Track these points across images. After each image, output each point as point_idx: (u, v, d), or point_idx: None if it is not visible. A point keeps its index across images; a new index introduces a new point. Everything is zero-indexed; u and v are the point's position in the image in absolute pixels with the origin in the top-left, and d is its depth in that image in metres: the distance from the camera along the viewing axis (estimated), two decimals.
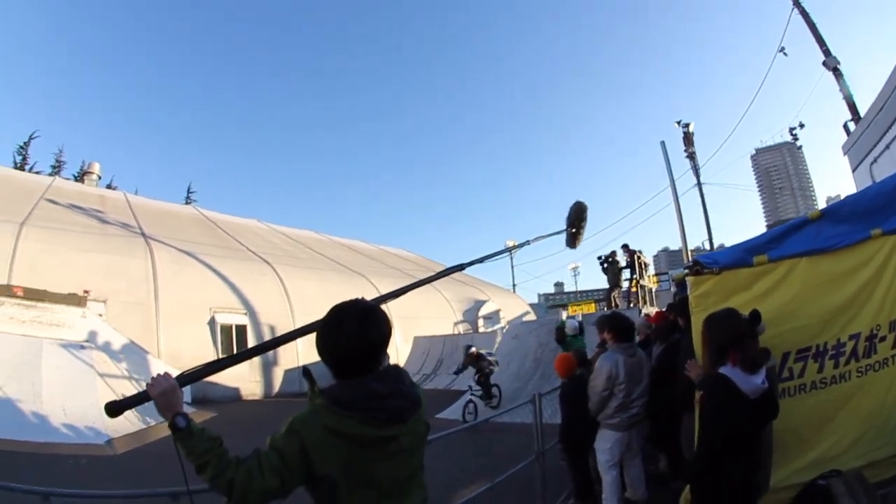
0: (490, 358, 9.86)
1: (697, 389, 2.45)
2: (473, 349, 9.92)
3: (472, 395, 9.47)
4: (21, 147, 36.45)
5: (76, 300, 11.98)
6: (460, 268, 2.69)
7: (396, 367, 1.57)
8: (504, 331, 14.90)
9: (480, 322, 20.23)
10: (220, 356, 11.74)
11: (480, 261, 2.81)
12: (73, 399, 9.16)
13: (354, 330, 1.44)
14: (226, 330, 14.53)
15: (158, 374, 1.47)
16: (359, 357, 1.46)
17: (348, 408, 1.38)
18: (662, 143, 17.74)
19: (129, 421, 9.16)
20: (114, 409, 1.55)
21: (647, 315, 7.38)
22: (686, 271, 3.13)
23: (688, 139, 18.79)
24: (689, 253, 16.95)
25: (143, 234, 16.06)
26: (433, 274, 2.64)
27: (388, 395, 1.44)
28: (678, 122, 18.98)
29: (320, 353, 1.47)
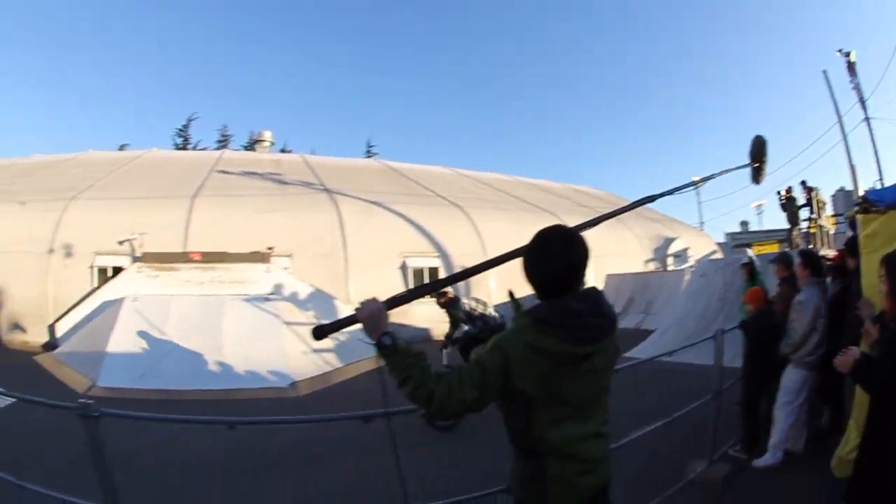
0: (472, 306, 8.21)
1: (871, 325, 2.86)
2: (449, 290, 8.42)
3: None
4: (180, 130, 44.49)
5: (259, 257, 15.04)
6: (651, 199, 3.12)
7: (594, 288, 1.88)
8: (692, 270, 16.20)
9: (670, 261, 22.43)
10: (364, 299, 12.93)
11: (670, 192, 3.19)
12: (257, 348, 11.21)
13: (559, 251, 1.80)
14: (417, 273, 17.23)
15: (367, 299, 1.90)
16: (562, 277, 1.80)
17: (549, 325, 1.72)
18: (825, 72, 19.62)
19: (314, 363, 11.34)
20: (320, 332, 2.04)
21: (824, 256, 7.80)
22: (856, 209, 3.58)
23: (851, 69, 20.36)
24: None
25: (326, 190, 19.28)
26: (624, 206, 3.08)
27: (587, 314, 1.77)
28: (839, 51, 20.58)
29: (527, 274, 1.85)
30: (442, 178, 25.13)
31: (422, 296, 2.20)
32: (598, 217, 2.67)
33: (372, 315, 1.84)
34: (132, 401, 9.48)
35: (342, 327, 2.02)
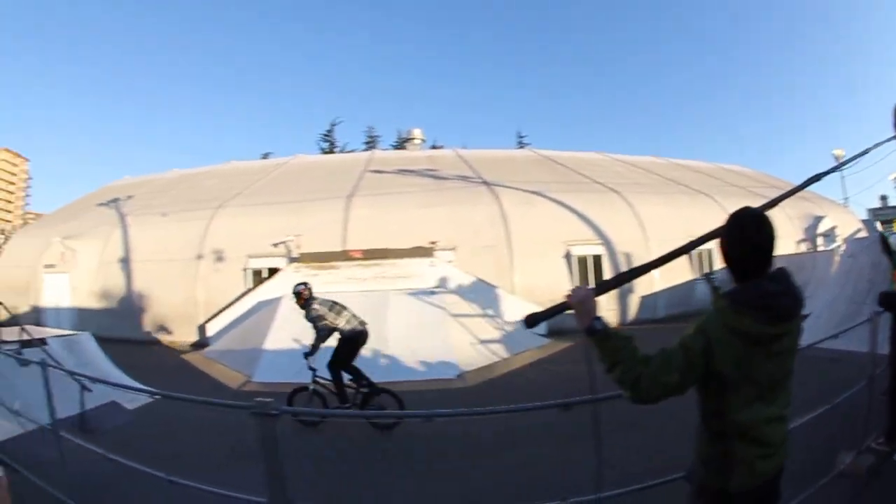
0: (318, 311, 8.62)
1: None
2: (303, 287, 8.99)
3: (314, 378, 8.66)
4: (325, 134, 50.68)
5: (422, 252, 17.14)
6: (817, 178, 3.40)
7: (784, 269, 2.18)
8: (841, 250, 16.88)
9: (819, 240, 23.53)
10: (574, 286, 13.92)
11: (837, 169, 3.61)
12: (423, 341, 12.75)
13: (752, 233, 2.12)
14: (581, 262, 19.10)
15: (576, 286, 2.29)
16: (757, 258, 2.11)
17: (747, 307, 2.02)
18: None
19: (481, 354, 12.92)
20: (533, 319, 2.31)
21: None
22: None
23: None
24: None
25: (484, 182, 21.41)
26: (792, 188, 3.45)
27: (780, 294, 2.07)
28: None
29: (725, 257, 2.18)
30: (596, 165, 27.19)
31: (629, 280, 2.49)
32: (777, 198, 3.06)
33: (583, 301, 2.16)
34: (286, 394, 11.16)
35: (554, 314, 2.32)
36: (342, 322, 8.54)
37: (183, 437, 6.92)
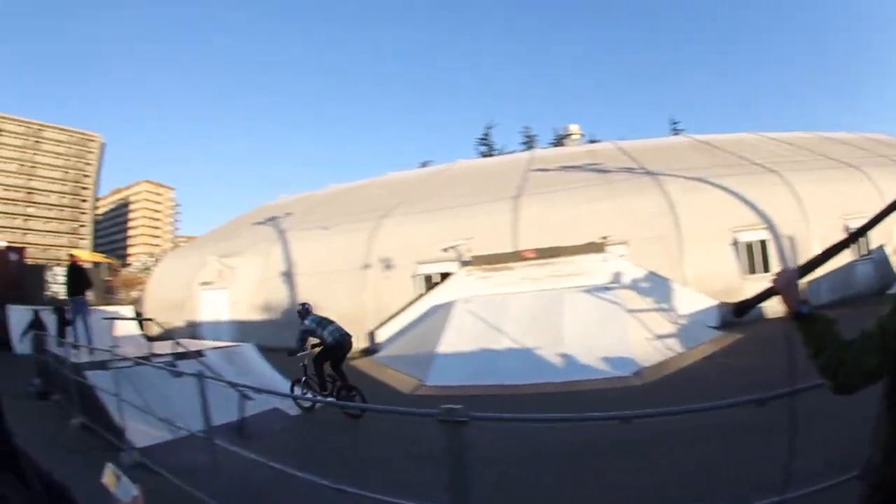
0: (310, 325, 11.63)
1: None
2: (300, 307, 12.46)
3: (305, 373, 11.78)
4: (482, 139, 56.58)
5: (595, 247, 18.74)
6: None
7: None
8: None
9: None
10: (745, 274, 19.61)
11: None
12: (599, 338, 13.91)
13: None
14: (748, 248, 20.31)
15: (782, 268, 2.29)
16: None
17: None
18: None
19: (657, 350, 13.86)
20: (742, 308, 2.48)
21: None
22: None
23: None
24: None
25: (647, 172, 22.97)
26: None
27: None
28: None
29: None
30: (750, 145, 28.39)
31: (835, 255, 2.42)
32: None
33: (789, 284, 2.21)
34: (463, 397, 11.77)
35: (762, 301, 2.37)
36: (326, 334, 11.40)
37: (350, 444, 7.43)
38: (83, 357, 11.68)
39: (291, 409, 11.12)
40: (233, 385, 7.11)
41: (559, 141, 43.91)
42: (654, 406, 8.02)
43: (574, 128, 38.71)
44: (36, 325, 18.50)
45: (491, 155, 50.17)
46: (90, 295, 16.60)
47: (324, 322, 11.69)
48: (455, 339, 15.54)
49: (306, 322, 11.67)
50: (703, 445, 6.61)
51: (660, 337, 14.61)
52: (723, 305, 17.10)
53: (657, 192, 21.34)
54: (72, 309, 15.13)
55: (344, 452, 6.37)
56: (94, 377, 9.98)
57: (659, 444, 6.55)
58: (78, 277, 15.31)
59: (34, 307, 19.31)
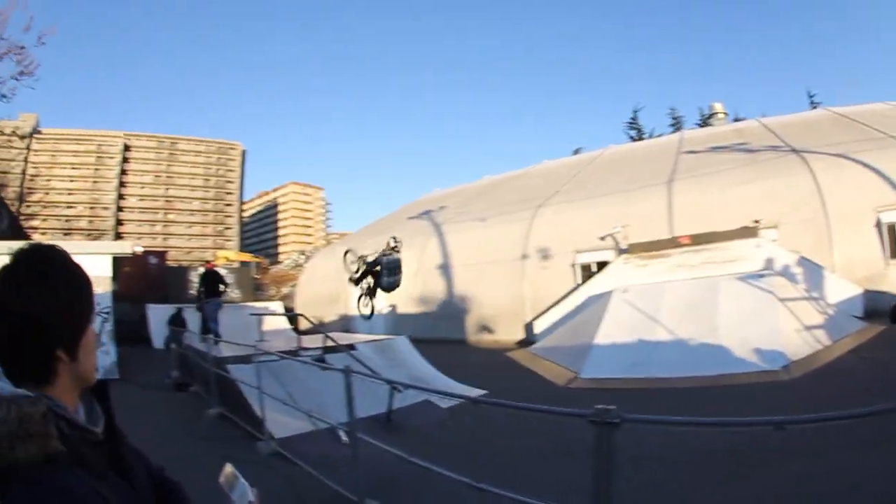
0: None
1: None
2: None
3: None
4: (630, 122, 61.31)
5: (747, 232, 19.65)
6: None
7: None
8: None
9: None
10: (890, 259, 19.78)
11: None
12: (752, 328, 14.37)
13: None
14: (890, 229, 20.01)
15: None
16: None
17: None
18: None
19: (806, 342, 14.23)
20: None
21: None
22: None
23: None
24: None
25: (792, 150, 23.62)
26: None
27: None
28: None
29: None
30: (885, 116, 27.24)
31: None
32: None
33: None
34: (616, 391, 12.72)
35: None
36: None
37: (497, 438, 7.29)
38: (225, 351, 13.07)
39: (444, 402, 11.48)
40: (381, 378, 7.76)
41: (705, 121, 46.20)
42: (804, 404, 8.87)
43: (718, 106, 40.38)
44: (176, 321, 20.82)
45: (640, 139, 52.98)
46: (223, 297, 19.56)
47: None
48: (612, 330, 16.28)
49: None
50: (861, 452, 6.35)
51: (808, 328, 14.76)
52: (868, 293, 17.46)
53: (803, 170, 21.76)
54: (207, 309, 18.45)
55: (490, 447, 6.33)
56: (236, 371, 11.21)
57: (814, 451, 6.42)
58: (212, 281, 18.97)
59: (176, 305, 21.76)
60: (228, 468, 1.99)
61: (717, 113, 40.14)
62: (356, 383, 6.44)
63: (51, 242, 1.68)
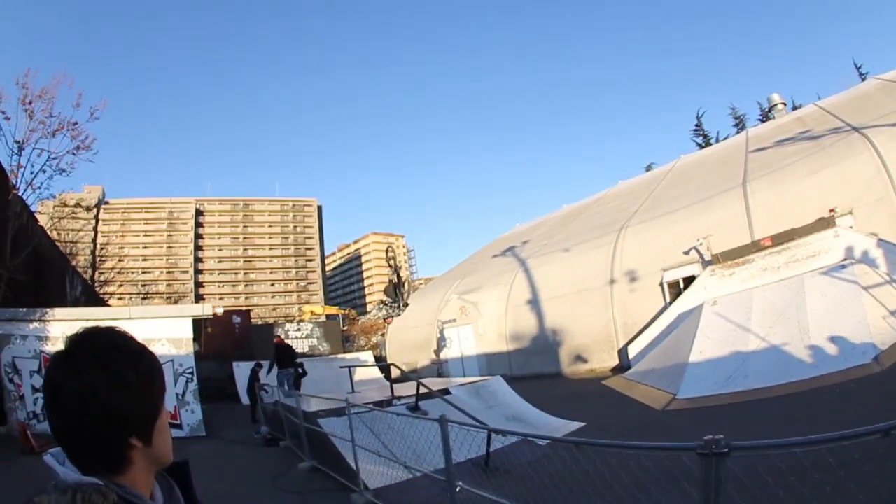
0: None
1: None
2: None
3: None
4: (695, 129, 63.58)
5: (824, 223, 19.79)
6: None
7: None
8: None
9: None
10: None
11: None
12: (839, 323, 14.62)
13: None
14: None
15: None
16: None
17: None
18: None
19: (892, 328, 14.11)
20: None
21: None
22: None
23: None
24: None
25: (853, 129, 24.18)
26: None
27: None
28: None
29: None
30: None
31: None
32: None
33: None
34: (714, 409, 13.00)
35: None
36: None
37: (598, 475, 6.29)
38: (315, 405, 13.56)
39: (542, 440, 11.01)
40: (476, 426, 8.05)
41: (765, 114, 47.38)
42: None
43: (776, 97, 40.61)
44: (254, 377, 21.49)
45: (708, 144, 54.79)
46: (291, 369, 20.27)
47: None
48: (705, 346, 16.54)
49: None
50: None
51: (894, 313, 14.70)
52: None
53: (866, 148, 21.73)
54: (279, 379, 19.65)
55: (592, 483, 5.46)
56: (328, 424, 11.48)
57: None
58: (282, 355, 20.29)
59: (260, 361, 22.20)
60: None
61: (776, 104, 40.39)
62: (452, 428, 6.50)
63: (110, 325, 1.65)
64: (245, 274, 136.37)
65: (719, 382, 14.52)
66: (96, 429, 1.40)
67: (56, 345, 16.90)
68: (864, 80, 42.84)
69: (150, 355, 1.57)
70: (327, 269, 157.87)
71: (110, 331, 1.54)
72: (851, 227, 19.97)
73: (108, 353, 1.46)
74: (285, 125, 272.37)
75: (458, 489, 6.28)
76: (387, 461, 9.19)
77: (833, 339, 14.08)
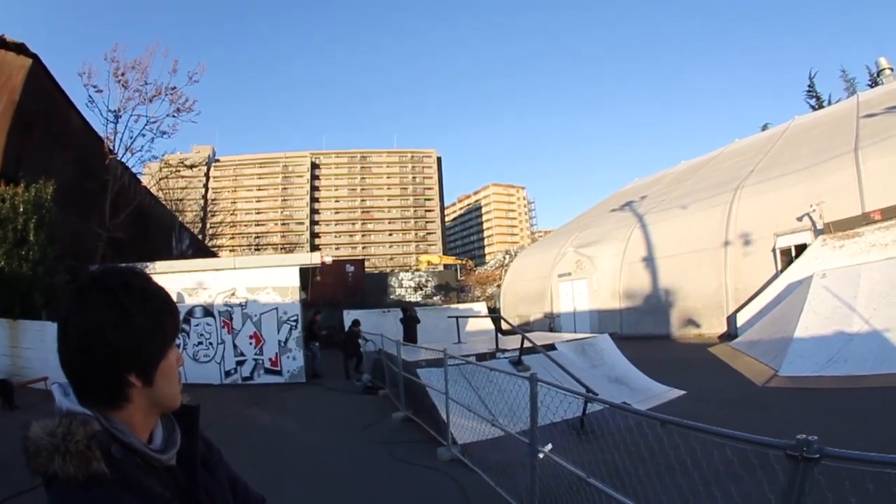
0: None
1: None
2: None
3: None
4: (808, 90, 62.90)
5: None
6: None
7: None
8: None
9: None
10: None
11: None
12: None
13: None
14: None
15: None
16: None
17: None
18: None
19: None
20: None
21: None
22: None
23: None
24: None
25: None
26: None
27: None
28: None
29: None
30: None
31: None
32: None
33: None
34: (814, 391, 12.56)
35: None
36: None
37: (693, 449, 5.87)
38: (417, 356, 13.39)
39: (643, 403, 11.28)
40: (568, 391, 6.53)
41: (874, 79, 46.52)
42: None
43: (884, 61, 40.23)
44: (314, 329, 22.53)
45: (821, 106, 53.89)
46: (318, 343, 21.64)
47: None
48: (811, 322, 15.90)
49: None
50: None
51: None
52: None
53: None
54: (313, 350, 21.05)
55: (682, 459, 5.11)
56: (427, 375, 11.53)
57: None
58: (310, 330, 21.36)
59: (357, 319, 22.75)
60: None
61: (884, 69, 39.95)
62: (547, 389, 6.36)
63: (131, 266, 1.75)
64: (362, 224, 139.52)
65: (820, 363, 14.14)
66: (97, 363, 1.48)
67: None
68: None
69: (165, 297, 1.65)
70: (447, 219, 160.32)
71: (126, 270, 1.62)
72: None
73: (119, 291, 1.53)
74: (402, 78, 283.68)
75: (540, 455, 6.23)
76: (479, 417, 9.09)
77: None
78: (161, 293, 1.63)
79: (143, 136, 25.57)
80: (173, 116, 26.17)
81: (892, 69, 39.97)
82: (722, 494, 4.27)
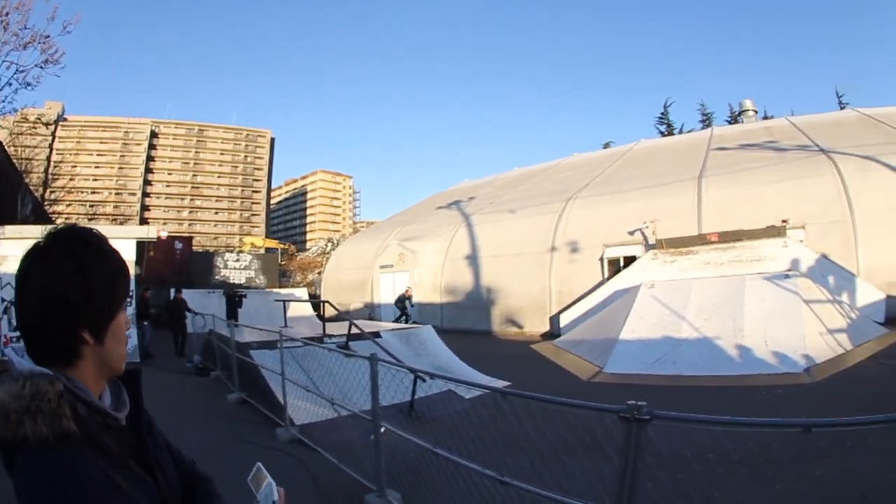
0: None
1: None
2: None
3: None
4: (660, 117, 63.95)
5: (775, 231, 20.01)
6: None
7: None
8: None
9: None
10: None
11: None
12: (775, 329, 14.56)
13: None
14: None
15: None
16: None
17: None
18: None
19: (829, 345, 14.35)
20: None
21: None
22: None
23: None
24: None
25: (821, 150, 23.80)
26: None
27: None
28: None
29: None
30: None
31: None
32: None
33: None
34: (640, 387, 13.08)
35: None
36: None
37: (521, 432, 6.71)
38: (248, 337, 13.39)
39: (467, 393, 11.13)
40: (405, 367, 7.75)
41: (734, 118, 49.01)
42: (826, 408, 8.96)
43: (749, 103, 41.60)
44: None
45: (671, 134, 55.54)
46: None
47: None
48: (637, 326, 16.53)
49: None
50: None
51: (831, 331, 14.85)
52: (890, 299, 17.45)
53: (831, 171, 21.95)
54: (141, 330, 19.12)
55: (513, 441, 6.05)
56: (259, 356, 11.52)
57: (835, 455, 6.03)
58: (142, 308, 19.57)
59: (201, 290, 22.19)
60: (259, 469, 2.00)
61: (747, 110, 41.32)
62: (379, 371, 6.54)
63: (88, 226, 1.70)
64: (191, 200, 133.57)
65: (647, 363, 14.61)
66: (53, 317, 1.43)
67: (2, 263, 16.50)
68: (842, 108, 43.60)
69: (120, 259, 1.62)
70: (272, 202, 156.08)
71: (87, 230, 1.59)
72: (801, 242, 20.29)
73: (79, 248, 1.50)
74: (249, 56, 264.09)
75: (382, 429, 6.36)
76: (314, 398, 9.36)
77: (766, 343, 14.13)
78: (116, 254, 1.62)
79: (10, 84, 23.20)
80: (40, 67, 23.56)
81: (755, 112, 41.73)
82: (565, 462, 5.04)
